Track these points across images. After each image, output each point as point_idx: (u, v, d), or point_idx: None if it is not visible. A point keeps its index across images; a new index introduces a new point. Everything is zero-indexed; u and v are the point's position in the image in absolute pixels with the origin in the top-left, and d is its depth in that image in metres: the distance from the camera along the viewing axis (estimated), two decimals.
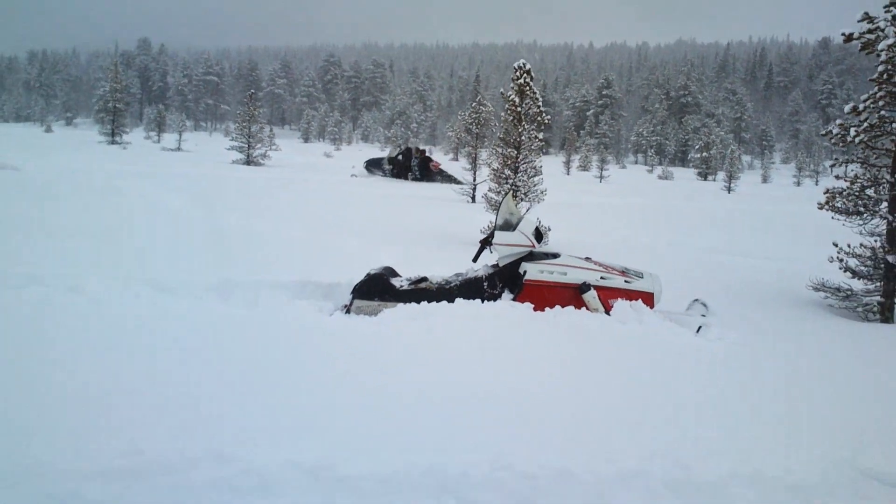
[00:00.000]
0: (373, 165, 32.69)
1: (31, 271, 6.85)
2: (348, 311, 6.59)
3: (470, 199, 19.56)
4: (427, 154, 33.40)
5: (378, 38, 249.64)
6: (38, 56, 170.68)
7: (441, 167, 32.33)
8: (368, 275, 6.83)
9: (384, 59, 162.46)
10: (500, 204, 6.98)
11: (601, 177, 43.19)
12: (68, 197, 13.83)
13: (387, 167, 31.93)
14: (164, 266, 7.78)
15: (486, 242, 6.88)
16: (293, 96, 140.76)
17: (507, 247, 6.62)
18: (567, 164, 55.76)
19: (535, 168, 11.81)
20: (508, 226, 6.68)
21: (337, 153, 62.76)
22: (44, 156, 28.19)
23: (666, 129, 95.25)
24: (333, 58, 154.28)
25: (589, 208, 20.24)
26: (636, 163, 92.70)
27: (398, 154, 32.42)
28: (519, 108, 11.69)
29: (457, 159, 51.67)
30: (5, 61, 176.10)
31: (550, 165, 46.71)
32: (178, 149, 47.62)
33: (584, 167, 58.22)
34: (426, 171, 31.33)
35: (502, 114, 12.25)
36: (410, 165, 31.33)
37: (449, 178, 29.69)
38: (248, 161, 34.34)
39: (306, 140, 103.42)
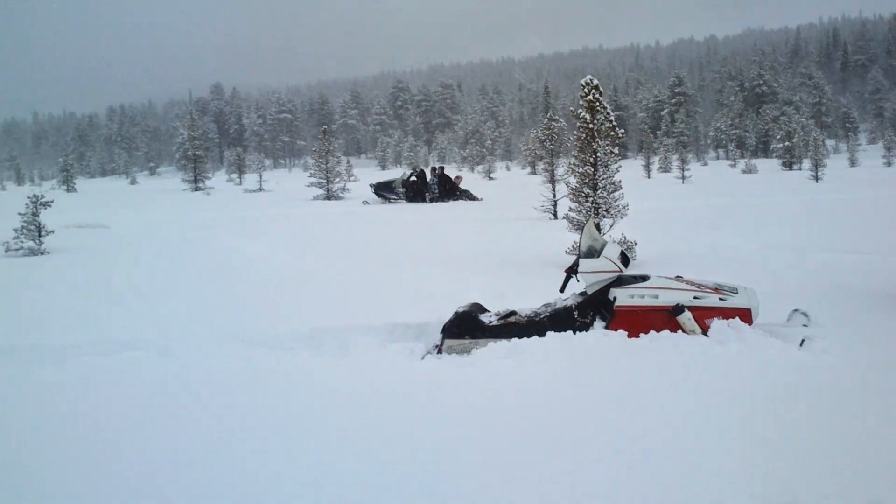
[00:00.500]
0: (383, 189, 31.06)
1: (125, 336, 6.98)
2: (440, 352, 6.54)
3: (552, 216, 19.32)
4: (444, 171, 31.59)
5: (443, 59, 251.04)
6: (116, 111, 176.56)
7: (462, 182, 31.18)
8: (457, 313, 6.78)
9: (451, 79, 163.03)
10: (582, 231, 6.85)
11: (683, 177, 41.95)
12: (156, 253, 14.10)
13: (400, 190, 30.39)
14: (254, 319, 7.85)
15: (571, 271, 6.74)
16: (366, 125, 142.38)
17: (593, 274, 6.47)
18: (647, 166, 54.60)
19: (614, 184, 11.59)
20: (593, 252, 6.53)
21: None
22: (131, 210, 28.95)
23: (744, 122, 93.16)
24: (401, 83, 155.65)
25: (673, 213, 19.68)
26: (717, 158, 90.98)
27: (411, 175, 31.19)
28: (591, 125, 11.50)
29: (534, 173, 51.36)
30: (86, 119, 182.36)
31: (629, 170, 45.88)
32: (260, 189, 48.38)
33: (665, 168, 57.02)
34: (449, 189, 29.86)
35: (574, 132, 12.07)
36: (428, 186, 29.93)
37: (470, 196, 29.25)
38: (329, 196, 34.69)
39: (383, 167, 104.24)
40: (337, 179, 35.53)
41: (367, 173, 77.07)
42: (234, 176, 73.71)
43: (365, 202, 30.34)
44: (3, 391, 5.48)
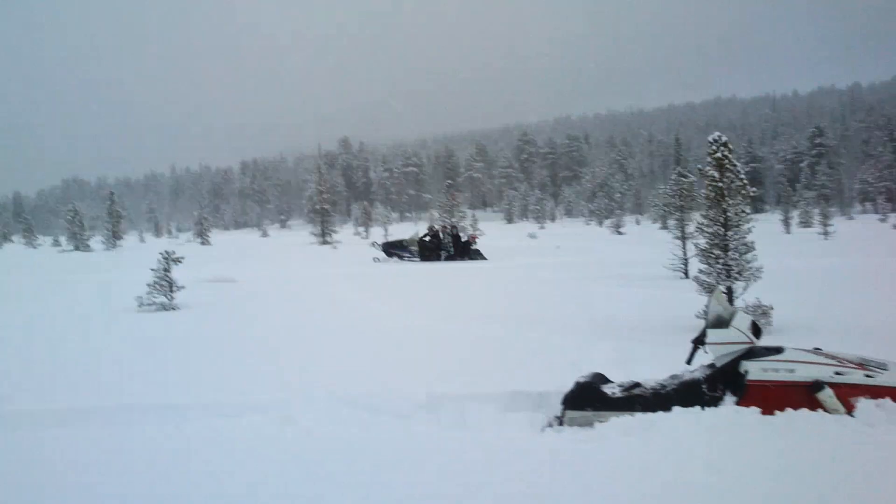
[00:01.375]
0: (394, 248, 31.96)
1: (247, 399, 6.99)
2: (561, 423, 6.29)
3: (683, 275, 18.70)
4: (457, 230, 32.44)
5: (570, 111, 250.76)
6: (249, 165, 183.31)
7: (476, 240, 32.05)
8: (578, 383, 6.52)
9: (578, 131, 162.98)
10: (709, 298, 6.51)
11: (826, 232, 39.94)
12: (279, 309, 14.33)
13: (413, 249, 31.09)
14: (374, 383, 7.75)
15: (698, 342, 6.37)
16: (491, 178, 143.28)
17: (722, 346, 6.11)
18: (785, 221, 52.55)
19: (746, 244, 11.09)
20: (721, 322, 6.18)
21: (541, 232, 62.48)
22: (260, 263, 29.80)
23: (894, 173, 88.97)
24: (527, 136, 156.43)
25: (815, 273, 18.75)
26: (864, 212, 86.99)
27: (426, 235, 31.71)
28: (720, 184, 11.09)
29: (665, 228, 50.37)
30: (221, 173, 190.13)
31: (767, 224, 44.51)
32: None
33: (806, 223, 54.86)
34: (462, 248, 30.57)
35: (703, 190, 11.66)
36: (443, 244, 30.63)
37: (480, 255, 29.74)
38: None
39: (509, 220, 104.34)
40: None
41: (493, 227, 77.34)
42: (361, 229, 75.26)
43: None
44: (120, 449, 5.54)
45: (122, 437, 5.93)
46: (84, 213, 61.02)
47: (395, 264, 28.29)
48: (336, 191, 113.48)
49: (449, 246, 30.32)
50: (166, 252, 15.21)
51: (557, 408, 6.49)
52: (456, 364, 8.66)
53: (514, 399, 7.04)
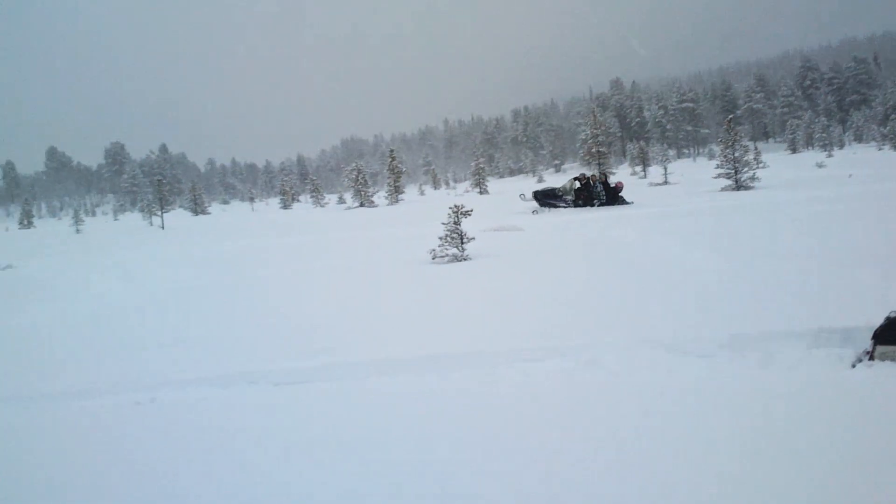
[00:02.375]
0: (547, 197, 31.45)
1: (549, 344, 7.32)
2: (871, 359, 6.11)
3: None
4: (606, 178, 32.22)
5: (856, 32, 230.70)
6: (520, 113, 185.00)
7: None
8: (888, 318, 6.27)
9: (866, 52, 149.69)
10: None
11: None
12: (571, 255, 14.53)
13: (568, 198, 30.88)
14: (674, 322, 7.83)
15: None
16: (773, 108, 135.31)
17: None
18: None
19: None
20: None
21: (829, 160, 58.59)
22: (541, 216, 30.30)
23: None
24: (810, 62, 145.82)
25: None
26: None
27: (578, 183, 31.33)
28: None
29: None
30: (493, 122, 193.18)
31: None
32: (665, 182, 48.22)
33: None
34: (613, 194, 30.59)
35: None
36: (595, 192, 30.44)
37: (625, 201, 30.02)
38: (738, 186, 33.64)
39: (793, 151, 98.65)
40: (745, 169, 34.26)
41: (777, 158, 73.39)
42: (638, 169, 74.17)
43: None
44: (444, 391, 6.08)
45: (441, 382, 6.46)
46: (366, 170, 64.60)
47: (690, 201, 27.69)
48: (610, 132, 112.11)
49: (601, 194, 30.54)
50: (455, 206, 15.92)
51: (866, 343, 6.31)
52: (754, 302, 8.53)
53: (818, 336, 6.87)
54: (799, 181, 34.97)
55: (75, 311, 13.07)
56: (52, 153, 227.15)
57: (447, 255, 15.34)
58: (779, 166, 52.39)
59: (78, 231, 57.91)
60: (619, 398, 5.53)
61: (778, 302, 8.42)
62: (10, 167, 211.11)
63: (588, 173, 34.71)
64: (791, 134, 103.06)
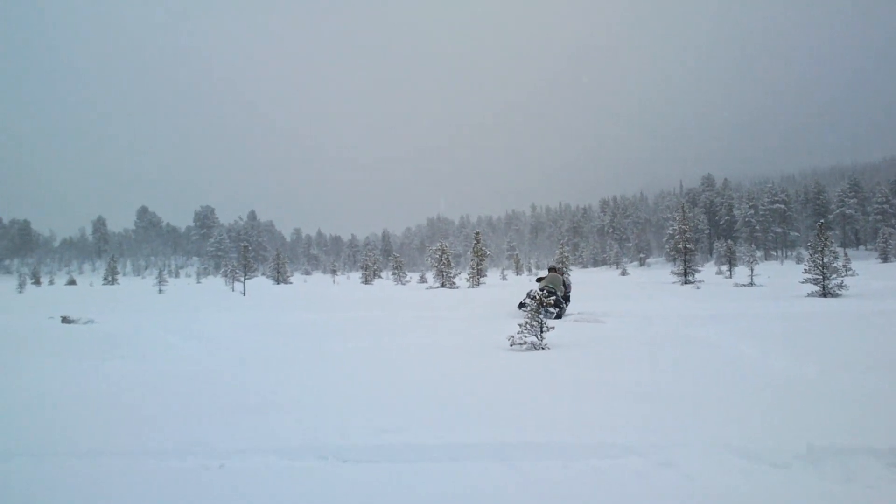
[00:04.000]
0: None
1: (623, 440, 7.18)
2: None
3: None
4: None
5: None
6: (609, 203, 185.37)
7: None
8: None
9: None
10: None
11: None
12: (651, 351, 14.31)
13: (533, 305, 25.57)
14: (751, 428, 7.62)
15: None
16: (865, 215, 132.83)
17: None
18: None
19: None
20: None
21: None
22: (622, 302, 30.02)
23: None
24: None
25: None
26: None
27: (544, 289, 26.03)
28: None
29: None
30: (581, 211, 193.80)
31: None
32: (751, 283, 47.34)
33: None
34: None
35: None
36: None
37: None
38: (825, 293, 32.82)
39: (885, 260, 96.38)
40: (833, 276, 33.45)
41: (867, 266, 71.59)
42: (724, 268, 73.16)
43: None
44: (502, 486, 5.98)
45: (510, 471, 6.36)
46: (449, 251, 65.11)
47: (774, 305, 27.08)
48: (698, 228, 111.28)
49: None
50: (535, 294, 15.89)
51: None
52: (834, 413, 8.26)
53: None
54: (889, 291, 33.96)
55: (152, 371, 13.33)
56: (142, 212, 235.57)
57: (526, 342, 15.24)
58: (868, 274, 51.09)
59: (160, 291, 59.48)
60: (692, 501, 5.42)
61: (859, 415, 8.16)
62: (100, 223, 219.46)
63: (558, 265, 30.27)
64: (883, 242, 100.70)
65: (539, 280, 25.31)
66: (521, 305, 22.53)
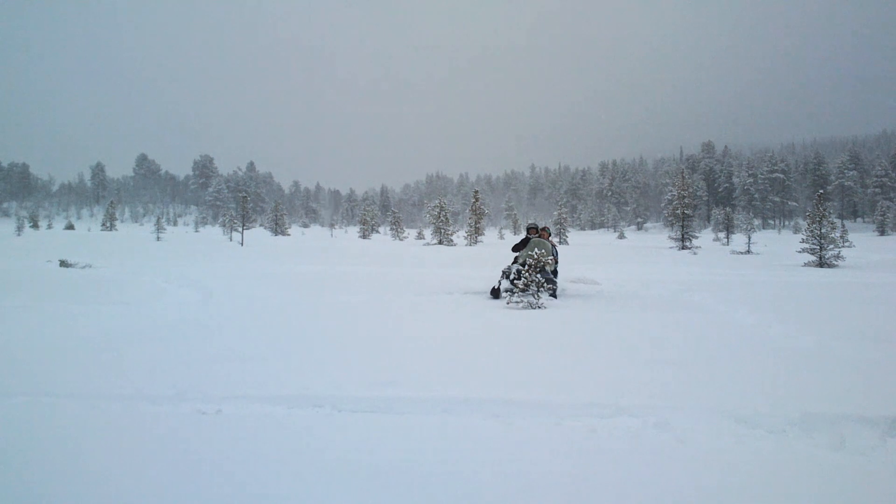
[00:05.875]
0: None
1: (618, 402, 7.20)
2: None
3: None
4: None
5: None
6: (608, 167, 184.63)
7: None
8: None
9: None
10: None
11: None
12: (648, 315, 14.32)
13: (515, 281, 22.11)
14: (746, 394, 7.64)
15: None
16: (864, 187, 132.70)
17: None
18: None
19: None
20: None
21: None
22: (621, 265, 30.06)
23: None
24: None
25: None
26: None
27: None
28: None
29: None
30: (580, 174, 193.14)
31: None
32: (748, 251, 47.40)
33: None
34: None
35: None
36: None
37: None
38: (821, 263, 32.90)
39: (882, 233, 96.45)
40: (830, 246, 33.50)
41: (864, 238, 71.68)
42: (721, 235, 73.16)
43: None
44: (494, 441, 6.02)
45: (505, 428, 6.40)
46: (448, 208, 64.98)
47: (770, 273, 27.14)
48: (697, 195, 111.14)
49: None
50: (535, 256, 15.90)
51: None
52: (830, 382, 8.30)
53: (894, 425, 6.66)
54: (885, 264, 34.06)
55: (149, 317, 13.35)
56: (142, 160, 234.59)
57: (522, 301, 15.28)
58: (865, 247, 51.20)
59: (158, 238, 59.42)
60: (683, 463, 5.50)
61: (854, 384, 8.20)
62: (99, 169, 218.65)
63: (540, 224, 21.89)
64: (881, 215, 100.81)
65: (517, 249, 18.60)
66: (496, 293, 17.36)
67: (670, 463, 5.47)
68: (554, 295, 17.30)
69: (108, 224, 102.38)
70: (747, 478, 5.17)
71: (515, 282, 15.92)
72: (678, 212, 59.67)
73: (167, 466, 5.30)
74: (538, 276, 15.83)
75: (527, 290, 15.47)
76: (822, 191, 38.07)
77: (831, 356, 9.94)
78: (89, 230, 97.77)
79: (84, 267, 23.71)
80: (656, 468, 5.36)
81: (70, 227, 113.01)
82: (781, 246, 56.81)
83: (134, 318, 13.30)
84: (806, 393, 7.73)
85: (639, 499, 4.76)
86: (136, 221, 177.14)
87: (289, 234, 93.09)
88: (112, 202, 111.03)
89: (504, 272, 17.11)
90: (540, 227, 19.69)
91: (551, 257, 17.40)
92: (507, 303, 15.26)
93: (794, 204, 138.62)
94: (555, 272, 18.55)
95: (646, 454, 5.68)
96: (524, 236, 19.82)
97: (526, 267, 15.99)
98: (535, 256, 16.08)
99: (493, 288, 17.35)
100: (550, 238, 21.11)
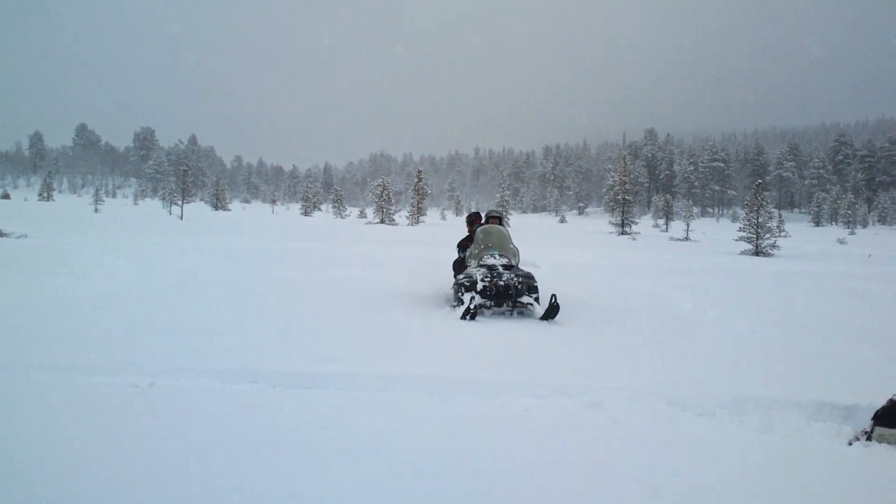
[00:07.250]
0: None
1: (554, 382, 7.28)
2: (869, 439, 6.04)
3: None
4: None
5: (894, 112, 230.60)
6: (552, 150, 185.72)
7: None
8: (891, 401, 6.21)
9: None
10: None
11: None
12: (587, 303, 14.41)
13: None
14: (680, 378, 7.79)
15: None
16: (802, 178, 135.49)
17: None
18: None
19: None
20: None
21: (851, 238, 58.57)
22: (562, 249, 30.27)
23: None
24: (844, 137, 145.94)
25: None
26: None
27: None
28: None
29: None
30: (523, 157, 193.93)
31: None
32: (686, 238, 48.10)
33: None
34: None
35: None
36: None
37: None
38: (757, 251, 33.55)
39: (817, 224, 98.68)
40: (767, 235, 34.19)
41: (799, 229, 73.27)
42: (661, 222, 74.10)
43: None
44: (429, 416, 6.05)
45: (440, 405, 6.44)
46: (391, 187, 64.86)
47: (708, 260, 27.56)
48: (638, 181, 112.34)
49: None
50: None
51: (867, 422, 6.26)
52: (760, 366, 8.50)
53: (820, 409, 6.87)
54: (818, 254, 34.87)
55: (86, 289, 13.11)
56: (81, 129, 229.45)
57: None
58: (800, 237, 52.33)
59: (97, 210, 58.34)
60: (615, 441, 5.60)
61: (784, 370, 8.41)
62: (37, 138, 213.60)
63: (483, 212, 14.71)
64: (817, 207, 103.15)
65: (463, 245, 14.68)
66: (471, 314, 11.41)
67: (602, 440, 5.56)
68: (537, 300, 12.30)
69: (45, 194, 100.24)
70: (676, 457, 5.26)
71: (464, 298, 11.86)
72: (619, 197, 60.37)
73: (96, 438, 5.22)
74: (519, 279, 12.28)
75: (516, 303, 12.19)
76: (760, 181, 38.78)
77: (763, 342, 10.17)
78: (26, 200, 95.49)
79: (19, 237, 23.16)
80: (588, 445, 5.44)
81: (6, 195, 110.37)
82: (719, 233, 57.79)
83: (70, 288, 13.05)
84: (738, 377, 7.91)
85: (568, 473, 4.83)
86: (75, 192, 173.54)
87: (229, 210, 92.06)
88: (50, 172, 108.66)
89: (462, 284, 12.35)
90: (493, 214, 14.90)
91: (510, 250, 13.67)
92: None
93: (734, 193, 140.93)
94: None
95: (578, 432, 5.76)
96: (467, 233, 15.30)
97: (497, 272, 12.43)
98: (507, 257, 13.23)
99: (467, 308, 11.43)
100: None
